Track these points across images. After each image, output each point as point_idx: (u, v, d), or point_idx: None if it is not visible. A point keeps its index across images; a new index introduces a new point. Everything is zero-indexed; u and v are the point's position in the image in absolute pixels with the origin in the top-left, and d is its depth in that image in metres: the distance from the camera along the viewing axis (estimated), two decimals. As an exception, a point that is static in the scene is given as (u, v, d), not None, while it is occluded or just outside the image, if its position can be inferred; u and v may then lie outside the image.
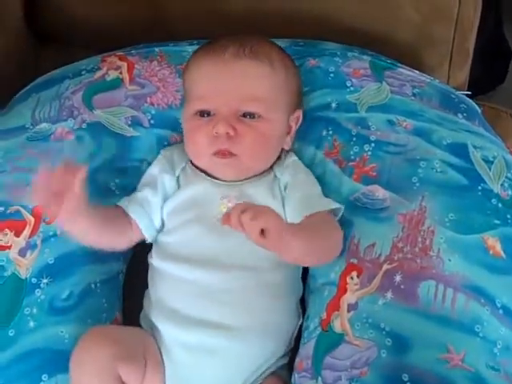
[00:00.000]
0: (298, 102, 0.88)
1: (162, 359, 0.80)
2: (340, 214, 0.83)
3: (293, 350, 0.84)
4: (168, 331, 0.80)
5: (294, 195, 0.84)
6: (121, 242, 0.84)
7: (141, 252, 0.88)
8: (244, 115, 0.82)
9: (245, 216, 0.68)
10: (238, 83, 0.82)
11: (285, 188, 0.85)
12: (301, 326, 0.85)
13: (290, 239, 0.70)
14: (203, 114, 0.83)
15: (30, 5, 1.09)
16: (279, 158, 0.88)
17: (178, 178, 0.86)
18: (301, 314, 0.85)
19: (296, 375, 0.80)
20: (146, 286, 0.86)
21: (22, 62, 1.11)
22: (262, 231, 0.68)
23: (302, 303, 0.86)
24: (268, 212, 0.70)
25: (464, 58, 1.07)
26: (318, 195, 0.85)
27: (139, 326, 0.85)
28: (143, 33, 1.03)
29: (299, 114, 0.88)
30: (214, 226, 0.81)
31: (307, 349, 0.80)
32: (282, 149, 0.88)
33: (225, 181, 0.85)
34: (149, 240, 0.85)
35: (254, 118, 0.82)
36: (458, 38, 1.03)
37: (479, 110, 0.94)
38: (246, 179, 0.85)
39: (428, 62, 1.05)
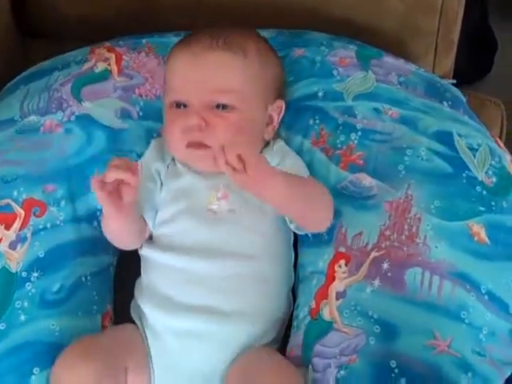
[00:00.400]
0: (278, 93, 0.88)
1: (150, 354, 0.81)
2: None
3: (284, 340, 0.85)
4: (158, 318, 0.81)
5: None
6: (139, 241, 0.85)
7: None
8: (218, 107, 0.82)
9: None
10: (210, 75, 0.82)
11: None
12: (292, 314, 0.85)
13: (271, 175, 0.73)
14: (179, 105, 0.84)
15: (16, -1, 1.09)
16: (268, 145, 0.89)
17: (168, 167, 0.87)
18: (292, 303, 0.86)
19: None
20: (137, 278, 0.87)
21: (11, 56, 1.11)
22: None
23: (293, 292, 0.87)
24: (251, 147, 0.73)
25: (449, 47, 1.08)
26: (302, 170, 0.85)
27: (129, 316, 0.85)
28: (134, 25, 1.04)
29: (281, 103, 0.88)
30: (205, 216, 0.82)
31: (297, 337, 0.81)
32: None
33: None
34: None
35: (226, 109, 0.82)
36: (443, 28, 1.04)
37: (464, 99, 0.95)
38: None
39: (413, 52, 1.06)
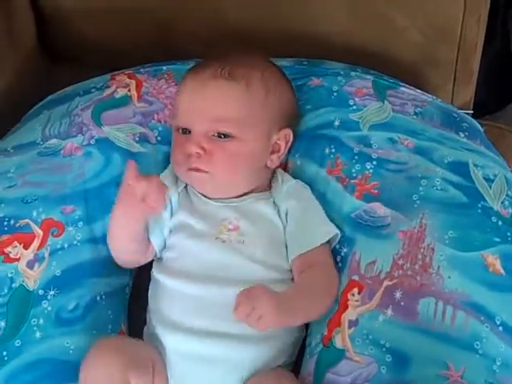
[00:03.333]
0: (286, 121, 0.89)
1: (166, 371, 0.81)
2: (338, 239, 0.85)
3: (298, 368, 0.84)
4: (168, 343, 0.82)
5: (291, 228, 0.85)
6: (138, 259, 0.88)
7: (150, 267, 0.89)
8: (219, 136, 0.84)
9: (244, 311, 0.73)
10: (210, 103, 0.85)
11: (286, 215, 0.86)
12: (305, 342, 0.85)
13: (287, 316, 0.76)
14: (184, 131, 0.86)
15: (42, 24, 1.12)
16: (274, 177, 0.90)
17: (179, 193, 0.89)
18: (304, 327, 0.86)
19: (299, 391, 0.81)
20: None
21: (35, 80, 1.14)
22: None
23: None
24: (261, 297, 0.74)
25: (468, 77, 1.08)
26: (313, 226, 0.85)
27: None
28: (152, 51, 1.06)
29: (288, 132, 0.89)
30: (214, 244, 0.83)
31: (309, 365, 0.81)
32: (276, 168, 0.90)
33: (222, 200, 0.87)
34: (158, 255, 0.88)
35: (227, 137, 0.84)
36: (462, 59, 1.05)
37: (481, 129, 0.95)
38: (242, 196, 0.87)
39: (432, 82, 1.07)
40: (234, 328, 0.80)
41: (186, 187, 0.90)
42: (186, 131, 0.86)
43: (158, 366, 0.80)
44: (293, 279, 0.85)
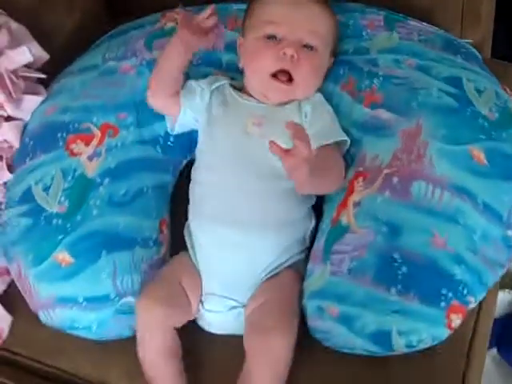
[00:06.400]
0: (335, 50, 1.05)
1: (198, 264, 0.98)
2: (346, 147, 0.99)
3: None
4: (198, 231, 0.98)
5: (314, 123, 0.99)
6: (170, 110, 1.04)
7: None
8: (305, 46, 0.99)
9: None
10: (308, 17, 0.99)
11: (305, 116, 1.00)
12: (317, 230, 1.00)
13: (307, 172, 0.84)
14: (271, 37, 0.99)
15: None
16: None
17: (212, 91, 1.03)
18: (313, 218, 1.00)
19: (310, 264, 0.96)
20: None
21: (98, 30, 1.31)
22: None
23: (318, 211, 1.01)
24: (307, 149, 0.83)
25: (475, 20, 1.19)
26: (332, 128, 0.99)
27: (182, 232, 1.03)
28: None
29: (332, 60, 1.05)
30: (239, 139, 0.98)
31: (320, 242, 0.96)
32: None
33: (256, 100, 1.01)
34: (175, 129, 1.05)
35: (311, 50, 0.99)
36: (468, 2, 1.17)
37: (479, 56, 1.08)
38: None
39: (441, 25, 1.19)
40: (250, 216, 0.95)
41: (223, 85, 1.04)
42: (273, 38, 0.97)
43: (190, 286, 0.96)
44: None
